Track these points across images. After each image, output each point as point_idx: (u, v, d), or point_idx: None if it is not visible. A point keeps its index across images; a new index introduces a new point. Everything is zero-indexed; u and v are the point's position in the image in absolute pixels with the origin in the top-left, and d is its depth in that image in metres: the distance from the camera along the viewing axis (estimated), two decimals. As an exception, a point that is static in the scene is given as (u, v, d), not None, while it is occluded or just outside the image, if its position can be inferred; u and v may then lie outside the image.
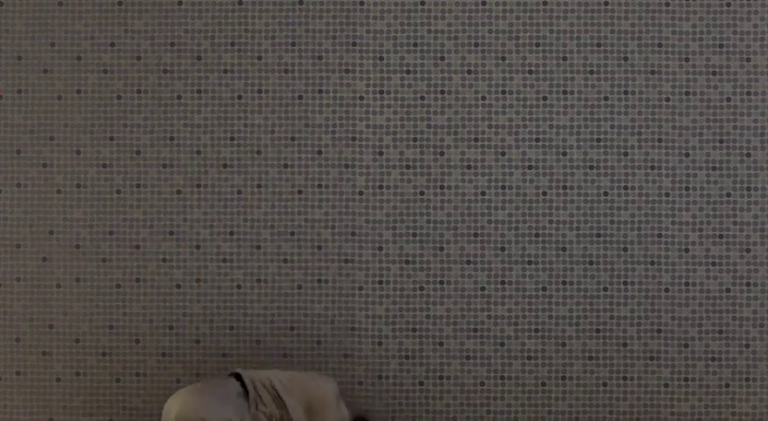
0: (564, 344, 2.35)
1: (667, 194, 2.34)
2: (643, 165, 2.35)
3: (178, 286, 2.36)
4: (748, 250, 2.34)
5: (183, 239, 2.36)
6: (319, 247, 2.36)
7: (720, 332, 2.33)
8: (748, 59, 2.34)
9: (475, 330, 2.35)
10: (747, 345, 2.33)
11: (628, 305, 2.34)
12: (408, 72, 2.37)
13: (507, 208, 2.35)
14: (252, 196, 2.36)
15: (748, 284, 2.33)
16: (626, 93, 2.35)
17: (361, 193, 2.36)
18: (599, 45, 2.36)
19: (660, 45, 2.35)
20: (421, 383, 2.35)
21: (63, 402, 2.37)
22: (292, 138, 2.37)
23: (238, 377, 2.05)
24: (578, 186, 2.35)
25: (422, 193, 2.36)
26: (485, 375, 2.35)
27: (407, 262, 2.35)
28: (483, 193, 2.35)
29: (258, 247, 2.36)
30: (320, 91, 2.37)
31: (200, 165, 2.37)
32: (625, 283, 2.34)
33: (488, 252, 2.35)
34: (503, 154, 2.36)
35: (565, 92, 2.36)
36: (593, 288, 2.35)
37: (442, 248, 2.35)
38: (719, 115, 2.34)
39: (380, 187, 2.36)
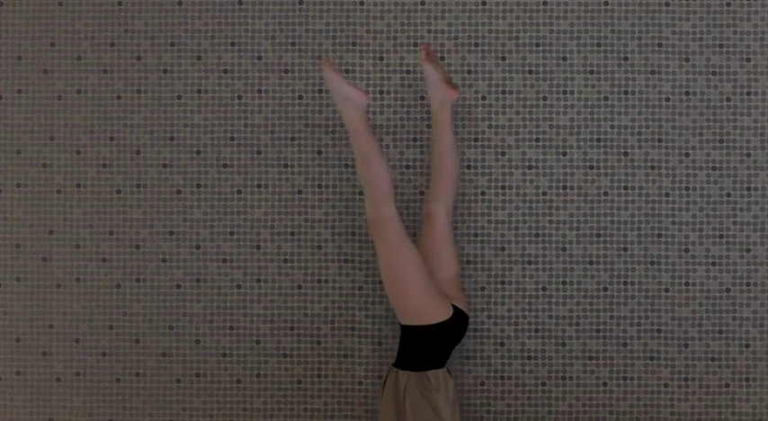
0: (564, 344, 2.35)
1: (667, 194, 2.34)
2: (643, 165, 2.35)
3: (178, 286, 2.36)
4: (748, 250, 2.34)
5: (183, 239, 2.36)
6: (319, 247, 2.36)
7: (720, 332, 2.33)
8: (748, 59, 2.34)
9: (475, 330, 2.35)
10: (747, 345, 2.33)
11: (628, 305, 2.34)
12: (408, 72, 2.37)
13: (507, 208, 2.35)
14: (252, 196, 2.36)
15: (748, 284, 2.33)
16: (626, 93, 2.35)
17: (360, 193, 2.36)
18: (599, 45, 2.36)
19: (660, 45, 2.35)
20: (421, 383, 2.35)
21: (63, 402, 2.37)
22: (292, 138, 2.37)
23: None
24: (578, 186, 2.35)
25: (421, 193, 2.36)
26: (484, 375, 2.35)
27: (407, 262, 2.35)
28: (483, 193, 2.35)
29: (258, 247, 2.36)
30: (320, 91, 2.37)
31: (200, 165, 2.37)
32: (625, 283, 2.34)
33: (488, 252, 2.35)
34: (503, 154, 2.36)
35: (565, 92, 2.36)
36: (593, 288, 2.35)
37: (442, 248, 2.35)
38: (719, 115, 2.34)
39: (380, 187, 2.36)
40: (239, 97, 2.37)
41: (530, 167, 2.36)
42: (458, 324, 2.02)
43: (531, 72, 2.36)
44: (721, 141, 2.34)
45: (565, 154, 2.36)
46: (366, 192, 1.98)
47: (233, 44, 2.37)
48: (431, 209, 2.13)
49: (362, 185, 1.99)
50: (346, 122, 1.98)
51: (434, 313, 1.97)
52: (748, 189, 2.34)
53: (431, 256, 2.11)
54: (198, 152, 2.38)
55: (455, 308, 2.03)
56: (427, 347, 1.99)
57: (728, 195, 2.34)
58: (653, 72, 2.35)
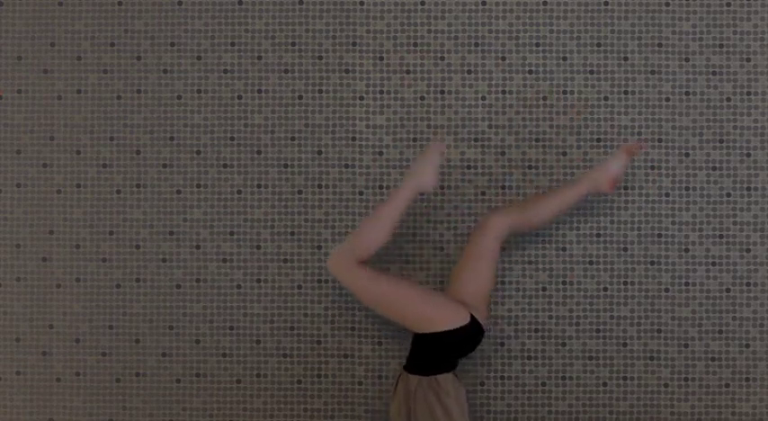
0: (564, 344, 2.35)
1: (667, 194, 2.34)
2: (643, 165, 2.35)
3: (178, 286, 2.36)
4: (748, 250, 2.34)
5: (183, 239, 2.36)
6: (319, 247, 2.36)
7: (720, 332, 2.33)
8: (748, 59, 2.34)
9: (475, 330, 2.35)
10: (747, 345, 2.33)
11: (628, 305, 2.34)
12: (408, 72, 2.37)
13: (507, 208, 2.35)
14: (252, 196, 2.36)
15: (748, 284, 2.33)
16: (626, 93, 2.35)
17: (361, 193, 2.36)
18: (599, 45, 2.36)
19: (660, 45, 2.35)
20: (421, 383, 2.34)
21: (63, 402, 2.37)
22: (292, 138, 2.37)
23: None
24: (578, 186, 2.35)
25: (422, 194, 2.36)
26: (484, 375, 2.35)
27: (407, 262, 2.35)
28: (483, 193, 2.35)
29: (258, 247, 2.36)
30: (320, 91, 2.37)
31: (200, 165, 2.37)
32: (625, 283, 2.34)
33: (488, 252, 2.35)
34: (503, 154, 2.36)
35: (565, 92, 2.36)
36: (593, 288, 2.35)
37: (441, 248, 2.35)
38: (719, 115, 2.34)
39: (380, 187, 2.36)
40: (239, 97, 2.37)
41: (530, 167, 2.36)
42: (471, 334, 2.02)
43: (531, 72, 2.36)
44: (721, 141, 2.34)
45: (565, 154, 2.35)
46: (353, 240, 2.00)
47: (233, 44, 2.37)
48: (492, 221, 2.11)
49: (354, 235, 2.01)
50: (400, 191, 2.03)
51: (444, 320, 1.97)
52: (748, 189, 2.33)
53: (469, 261, 2.10)
54: (198, 152, 2.38)
55: (473, 318, 2.03)
56: (436, 353, 2.00)
57: (728, 195, 2.34)
58: (653, 72, 2.35)
